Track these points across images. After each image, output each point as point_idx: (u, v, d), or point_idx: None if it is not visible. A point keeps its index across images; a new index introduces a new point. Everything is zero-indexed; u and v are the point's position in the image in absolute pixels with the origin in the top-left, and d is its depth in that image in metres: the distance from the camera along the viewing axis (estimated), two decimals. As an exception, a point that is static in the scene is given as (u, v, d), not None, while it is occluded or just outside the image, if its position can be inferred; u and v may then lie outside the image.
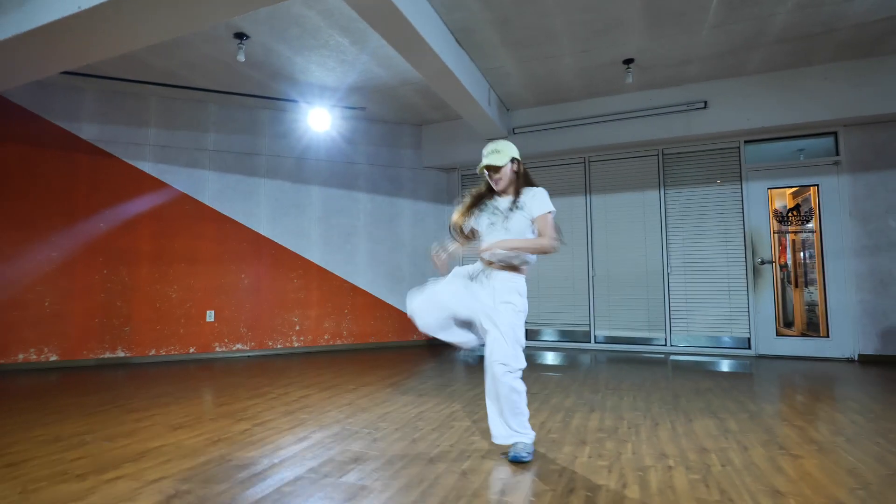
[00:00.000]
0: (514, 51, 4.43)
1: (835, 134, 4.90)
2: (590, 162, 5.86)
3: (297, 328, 5.62)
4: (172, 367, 4.63)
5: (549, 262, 5.90)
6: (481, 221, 2.36)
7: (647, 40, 4.26)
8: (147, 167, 5.08)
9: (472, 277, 2.32)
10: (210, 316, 5.23)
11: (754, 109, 4.91)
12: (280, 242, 5.61)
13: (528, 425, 2.23)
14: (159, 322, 5.02)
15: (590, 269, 5.76)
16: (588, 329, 5.74)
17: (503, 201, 2.32)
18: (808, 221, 5.10)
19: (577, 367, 4.55)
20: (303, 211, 5.77)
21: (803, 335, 5.27)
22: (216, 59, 4.46)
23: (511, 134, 5.90)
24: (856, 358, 4.70)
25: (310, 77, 4.90)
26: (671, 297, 5.37)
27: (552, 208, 2.26)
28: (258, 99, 5.37)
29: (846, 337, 4.75)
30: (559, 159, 5.96)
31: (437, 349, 5.74)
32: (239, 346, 5.35)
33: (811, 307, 5.59)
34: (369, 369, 4.47)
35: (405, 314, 6.03)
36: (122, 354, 4.85)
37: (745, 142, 5.19)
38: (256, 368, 4.57)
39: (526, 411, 2.22)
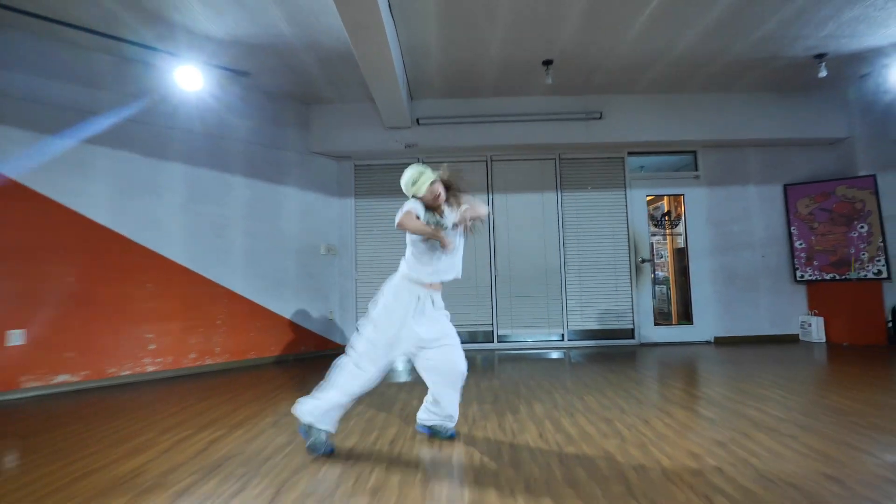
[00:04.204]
0: (445, 27, 4.07)
1: (695, 153, 5.76)
2: (492, 161, 5.82)
3: (152, 347, 4.27)
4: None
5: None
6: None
7: (572, 44, 4.35)
8: None
9: (414, 311, 2.32)
10: (15, 337, 3.60)
11: (639, 125, 5.47)
12: (126, 234, 4.20)
13: None
14: (-80, 352, 3.25)
15: (493, 268, 5.70)
16: (491, 329, 5.67)
17: (448, 214, 2.35)
18: (677, 225, 5.89)
19: (486, 372, 4.39)
20: (159, 194, 4.43)
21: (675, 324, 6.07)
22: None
23: (416, 124, 5.51)
24: (712, 340, 5.56)
25: (188, 18, 3.76)
26: (568, 294, 5.64)
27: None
28: (99, 37, 3.94)
29: (706, 323, 5.59)
30: (462, 155, 5.78)
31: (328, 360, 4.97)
32: (63, 377, 3.80)
33: (663, 300, 6.49)
34: (274, 391, 3.58)
35: (292, 322, 5.18)
36: None
37: (629, 153, 5.75)
38: (99, 406, 3.25)
39: None
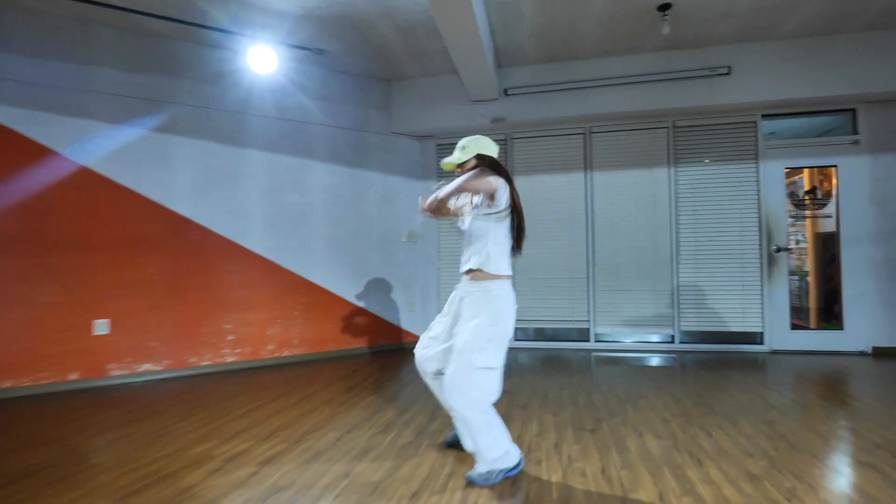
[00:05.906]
0: (539, -20, 3.44)
1: (853, 111, 4.56)
2: (591, 133, 5.08)
3: (231, 338, 4.25)
4: (47, 404, 3.13)
5: (544, 250, 5.09)
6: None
7: (697, -19, 3.50)
8: (-2, 111, 3.40)
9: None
10: (101, 327, 3.70)
11: (778, 79, 4.41)
12: (207, 225, 4.17)
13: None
14: (23, 338, 3.41)
15: (589, 256, 5.02)
16: (587, 326, 5.02)
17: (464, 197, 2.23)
18: (824, 205, 4.76)
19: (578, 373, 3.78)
20: (240, 183, 4.35)
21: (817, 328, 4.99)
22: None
23: (504, 96, 4.93)
24: (869, 351, 4.45)
25: (256, -6, 3.52)
26: (680, 288, 4.81)
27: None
28: (175, 24, 3.84)
29: (861, 329, 4.49)
30: (556, 129, 5.11)
31: (406, 353, 4.70)
32: (147, 366, 3.88)
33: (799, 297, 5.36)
34: (348, 391, 3.32)
35: (372, 314, 4.97)
36: (-40, 392, 3.22)
37: (763, 116, 4.70)
38: (177, 399, 3.21)
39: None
